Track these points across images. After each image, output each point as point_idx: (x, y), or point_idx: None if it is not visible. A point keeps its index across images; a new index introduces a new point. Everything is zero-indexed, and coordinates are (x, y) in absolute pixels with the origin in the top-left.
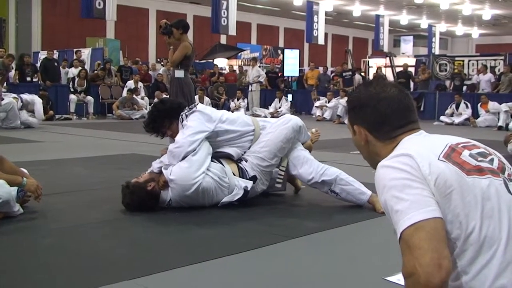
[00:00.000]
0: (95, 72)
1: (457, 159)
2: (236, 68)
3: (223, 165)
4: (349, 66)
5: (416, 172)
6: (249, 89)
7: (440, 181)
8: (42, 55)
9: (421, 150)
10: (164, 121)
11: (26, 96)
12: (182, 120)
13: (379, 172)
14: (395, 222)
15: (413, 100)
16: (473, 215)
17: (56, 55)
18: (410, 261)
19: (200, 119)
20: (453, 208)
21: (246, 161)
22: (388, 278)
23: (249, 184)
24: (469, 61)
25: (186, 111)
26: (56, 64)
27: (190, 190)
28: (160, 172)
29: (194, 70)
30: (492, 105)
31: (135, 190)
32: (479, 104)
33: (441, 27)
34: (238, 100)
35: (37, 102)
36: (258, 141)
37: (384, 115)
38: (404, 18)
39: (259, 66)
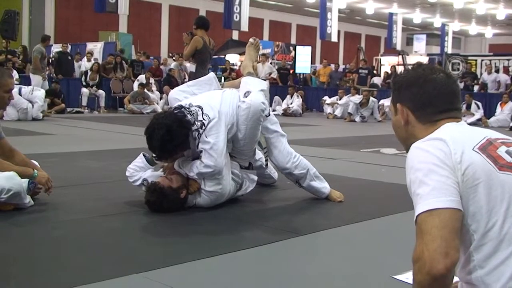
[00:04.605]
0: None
1: (492, 153)
2: None
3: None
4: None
5: (446, 158)
6: None
7: (469, 171)
8: (55, 48)
9: (457, 137)
10: (181, 152)
11: (26, 91)
12: (199, 136)
13: (411, 152)
14: (414, 205)
15: (459, 88)
16: (497, 210)
17: (69, 48)
18: (420, 245)
19: (220, 132)
20: (477, 200)
21: (235, 156)
22: (397, 277)
23: (255, 176)
24: (482, 60)
25: (199, 125)
26: (70, 57)
27: (219, 202)
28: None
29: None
30: (510, 106)
31: (169, 197)
32: (499, 103)
33: (455, 26)
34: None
35: (38, 99)
36: (236, 138)
37: (430, 96)
38: (418, 16)
39: (270, 63)
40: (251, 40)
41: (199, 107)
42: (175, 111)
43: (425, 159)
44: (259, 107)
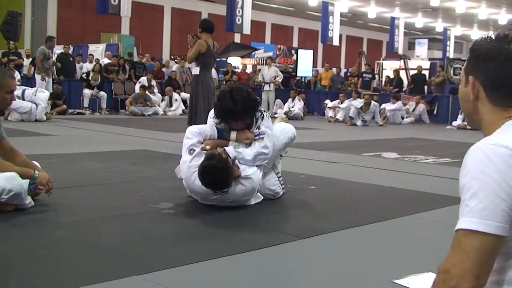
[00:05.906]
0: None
1: None
2: (250, 67)
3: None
4: (363, 68)
5: (510, 177)
6: (266, 88)
7: None
8: (57, 49)
9: None
10: (248, 119)
11: (29, 92)
12: (261, 117)
13: (473, 152)
14: (460, 213)
15: None
16: None
17: (70, 50)
18: (452, 259)
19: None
20: None
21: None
22: (397, 281)
23: (261, 197)
24: None
25: (262, 109)
26: (71, 59)
27: (248, 196)
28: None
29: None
30: None
31: (230, 169)
32: None
33: (457, 30)
34: None
35: (41, 101)
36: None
37: (508, 76)
38: (420, 20)
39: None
40: (283, 115)
41: None
42: None
43: (486, 170)
44: (293, 130)
